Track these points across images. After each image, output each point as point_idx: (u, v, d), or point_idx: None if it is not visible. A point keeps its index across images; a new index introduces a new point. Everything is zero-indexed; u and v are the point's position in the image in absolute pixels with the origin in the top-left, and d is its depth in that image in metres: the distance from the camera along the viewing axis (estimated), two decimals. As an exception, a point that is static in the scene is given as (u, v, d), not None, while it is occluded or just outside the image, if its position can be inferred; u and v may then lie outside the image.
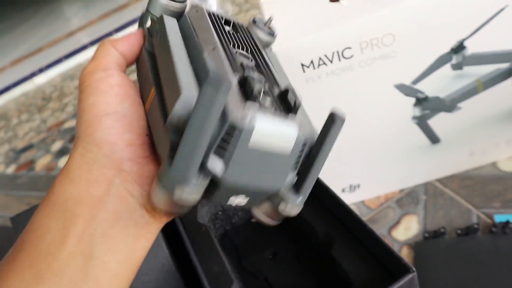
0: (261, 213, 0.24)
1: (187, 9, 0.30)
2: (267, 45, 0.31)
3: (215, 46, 0.25)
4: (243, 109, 0.20)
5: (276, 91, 0.24)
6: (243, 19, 1.31)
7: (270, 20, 0.30)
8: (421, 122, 0.48)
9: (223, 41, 0.26)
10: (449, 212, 0.50)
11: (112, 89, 0.25)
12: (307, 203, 0.25)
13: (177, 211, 0.22)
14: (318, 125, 0.24)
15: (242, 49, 0.27)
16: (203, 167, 0.20)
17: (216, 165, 0.20)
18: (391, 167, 0.52)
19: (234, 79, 0.22)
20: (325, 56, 0.41)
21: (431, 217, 0.50)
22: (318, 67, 0.42)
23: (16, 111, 1.47)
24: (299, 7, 0.45)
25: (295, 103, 0.22)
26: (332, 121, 0.22)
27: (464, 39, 0.43)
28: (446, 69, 0.44)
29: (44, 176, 0.95)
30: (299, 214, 0.39)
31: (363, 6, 0.41)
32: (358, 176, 0.53)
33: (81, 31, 1.98)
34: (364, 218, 0.53)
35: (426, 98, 0.46)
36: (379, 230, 0.51)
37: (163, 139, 0.22)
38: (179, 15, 0.29)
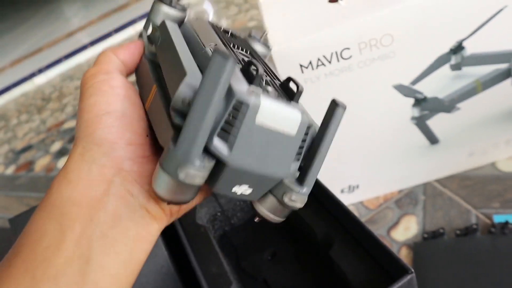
0: (264, 210, 0.24)
1: (187, 18, 0.30)
2: (263, 56, 0.32)
3: (217, 43, 0.26)
4: (248, 87, 0.20)
5: (277, 84, 0.24)
6: (242, 19, 1.31)
7: (265, 33, 0.31)
8: (420, 123, 0.48)
9: (224, 41, 0.26)
10: (448, 212, 0.50)
11: (113, 90, 0.25)
12: (306, 203, 0.25)
13: (180, 198, 0.21)
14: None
15: (242, 50, 0.27)
16: (207, 151, 0.20)
17: (221, 146, 0.20)
18: (390, 168, 0.52)
19: (237, 67, 0.22)
20: (324, 56, 0.41)
21: (430, 218, 0.50)
22: (316, 67, 0.42)
23: (16, 112, 1.47)
24: (298, 7, 0.45)
25: (297, 89, 0.23)
26: (334, 109, 0.22)
27: (463, 40, 0.43)
28: (445, 70, 0.44)
29: (44, 177, 0.95)
30: (298, 215, 0.39)
31: (362, 7, 0.41)
32: (357, 176, 0.53)
33: (81, 31, 1.97)
34: (363, 218, 0.53)
35: (425, 99, 0.46)
36: (378, 230, 0.51)
37: (166, 128, 0.22)
38: (179, 23, 0.30)
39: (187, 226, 0.40)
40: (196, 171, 0.19)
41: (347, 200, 0.55)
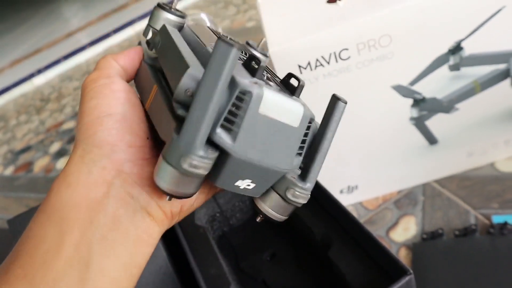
0: (267, 207, 0.24)
1: (186, 24, 0.30)
2: None
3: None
4: (251, 79, 0.20)
5: (278, 80, 0.25)
6: (241, 19, 1.31)
7: (262, 41, 0.32)
8: (419, 123, 0.48)
9: None
10: (447, 213, 0.50)
11: (114, 93, 0.25)
12: (305, 204, 0.25)
13: (183, 191, 0.21)
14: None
15: (242, 53, 0.28)
16: (209, 143, 0.20)
17: (224, 137, 0.20)
18: (389, 168, 0.52)
19: (239, 62, 0.23)
20: (322, 57, 0.41)
21: (429, 218, 0.50)
22: (315, 68, 0.42)
23: (15, 112, 1.47)
24: (296, 8, 0.45)
25: (298, 83, 0.23)
26: (335, 103, 0.22)
27: (461, 40, 0.43)
28: (443, 70, 0.44)
29: (43, 177, 0.95)
30: (297, 216, 0.39)
31: (360, 7, 0.41)
32: (356, 177, 0.53)
33: (80, 32, 1.97)
34: (362, 219, 0.53)
35: (423, 99, 0.46)
36: (377, 231, 0.51)
37: (168, 122, 0.22)
38: (179, 29, 0.30)
39: (186, 227, 0.40)
40: (200, 161, 0.19)
41: (346, 200, 0.55)
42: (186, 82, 0.21)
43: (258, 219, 0.25)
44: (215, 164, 0.20)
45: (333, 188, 0.53)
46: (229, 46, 0.18)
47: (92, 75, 0.27)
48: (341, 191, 0.54)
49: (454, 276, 0.43)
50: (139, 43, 0.31)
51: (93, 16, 2.09)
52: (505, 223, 0.45)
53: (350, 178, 0.53)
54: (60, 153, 1.02)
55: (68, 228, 0.21)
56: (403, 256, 0.48)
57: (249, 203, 0.46)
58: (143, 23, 1.68)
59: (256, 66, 0.22)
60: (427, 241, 0.47)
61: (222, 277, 0.35)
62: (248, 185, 0.22)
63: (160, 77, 0.27)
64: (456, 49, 0.43)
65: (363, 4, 0.41)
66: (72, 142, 1.06)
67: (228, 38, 0.31)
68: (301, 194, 0.23)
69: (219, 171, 0.21)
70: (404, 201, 0.54)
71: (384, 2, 0.40)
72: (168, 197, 0.22)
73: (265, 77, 0.23)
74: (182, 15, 0.29)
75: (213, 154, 0.20)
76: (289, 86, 0.24)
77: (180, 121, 0.21)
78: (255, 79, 0.21)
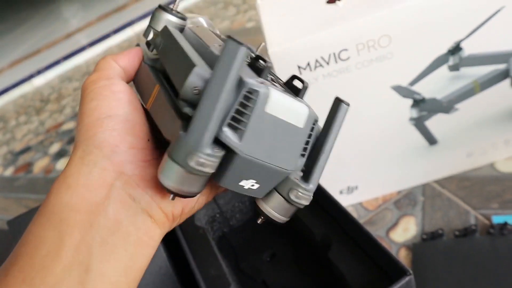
0: (269, 208, 0.24)
1: (187, 26, 0.30)
2: None
3: (220, 44, 0.26)
4: (257, 79, 0.21)
5: (281, 82, 0.25)
6: (241, 20, 1.31)
7: (261, 45, 0.32)
8: (419, 124, 0.48)
9: None
10: (447, 213, 0.50)
11: (114, 94, 0.25)
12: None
13: (188, 189, 0.21)
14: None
15: None
16: (216, 142, 0.20)
17: (231, 136, 0.20)
18: (388, 169, 0.52)
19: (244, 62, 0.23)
20: (322, 58, 0.41)
21: (429, 219, 0.50)
22: (314, 69, 0.42)
23: (14, 113, 1.47)
24: (296, 8, 0.45)
25: (303, 85, 0.23)
26: (338, 105, 0.23)
27: (460, 41, 0.43)
28: (443, 71, 0.44)
29: (42, 178, 0.95)
30: (297, 216, 0.39)
31: (360, 8, 0.41)
32: (356, 177, 0.53)
33: (80, 32, 1.97)
34: (362, 219, 0.53)
35: (423, 100, 0.46)
36: (377, 231, 0.51)
37: (172, 120, 0.22)
38: (180, 30, 0.30)
39: (186, 228, 0.40)
40: (207, 159, 0.19)
41: (346, 201, 0.55)
42: (193, 79, 0.21)
43: (259, 221, 0.25)
44: (220, 163, 0.20)
45: (333, 189, 0.53)
46: (238, 45, 0.18)
47: (92, 76, 0.26)
48: (341, 192, 0.54)
49: (454, 276, 0.43)
50: (137, 45, 0.31)
51: (93, 16, 2.09)
52: (505, 224, 0.45)
53: (350, 178, 0.53)
54: (60, 154, 1.02)
55: (68, 231, 0.21)
56: (403, 257, 0.48)
57: (249, 204, 0.46)
58: (143, 24, 1.68)
59: (263, 67, 0.22)
60: (427, 242, 0.47)
61: (222, 277, 0.35)
62: (252, 186, 0.22)
63: (161, 78, 0.27)
64: (456, 49, 0.43)
65: (362, 4, 0.41)
66: (72, 142, 1.06)
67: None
68: (304, 195, 0.23)
69: (225, 170, 0.21)
70: (404, 201, 0.54)
71: (383, 3, 0.40)
72: (171, 197, 0.22)
73: (270, 78, 0.23)
74: (183, 17, 0.30)
75: (220, 153, 0.20)
76: (293, 88, 0.24)
77: (185, 120, 0.21)
78: (261, 79, 0.21)
